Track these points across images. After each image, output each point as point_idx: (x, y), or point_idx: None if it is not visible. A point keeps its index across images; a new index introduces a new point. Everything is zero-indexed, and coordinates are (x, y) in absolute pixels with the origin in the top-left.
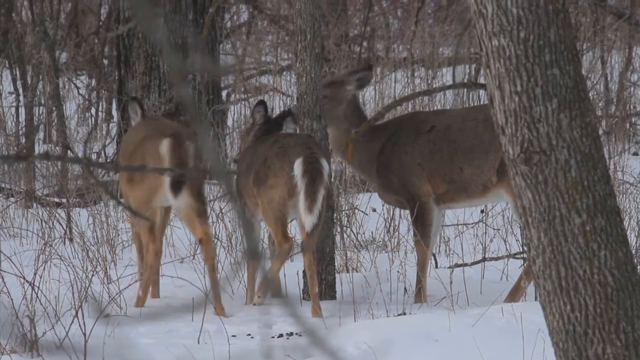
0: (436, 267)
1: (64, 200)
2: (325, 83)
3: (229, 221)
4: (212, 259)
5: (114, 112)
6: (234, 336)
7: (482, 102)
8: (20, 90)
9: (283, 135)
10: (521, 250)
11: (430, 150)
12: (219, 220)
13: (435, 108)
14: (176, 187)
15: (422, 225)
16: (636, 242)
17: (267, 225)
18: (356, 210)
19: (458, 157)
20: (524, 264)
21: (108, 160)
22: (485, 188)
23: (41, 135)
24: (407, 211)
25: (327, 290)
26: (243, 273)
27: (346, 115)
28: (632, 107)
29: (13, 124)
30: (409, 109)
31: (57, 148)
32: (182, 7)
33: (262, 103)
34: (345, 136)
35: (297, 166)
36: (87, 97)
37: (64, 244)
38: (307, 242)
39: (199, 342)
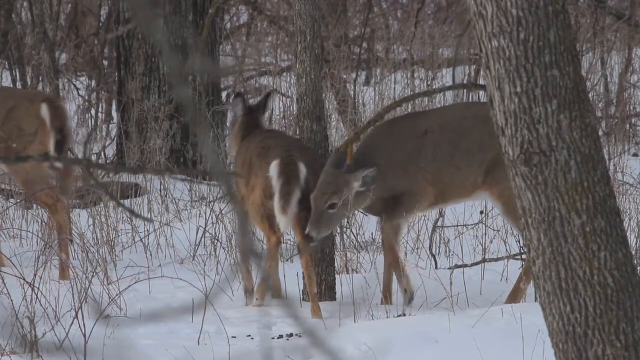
0: (436, 268)
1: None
2: (323, 191)
3: (229, 222)
4: (61, 227)
5: (114, 114)
6: (234, 337)
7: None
8: None
9: (270, 136)
10: (521, 251)
11: (432, 151)
12: (219, 221)
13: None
14: (59, 149)
15: (407, 212)
16: (636, 244)
17: (255, 224)
18: (356, 212)
19: (457, 157)
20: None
21: (108, 162)
22: (473, 188)
23: None
24: None
25: (327, 292)
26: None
27: (358, 198)
28: (632, 108)
29: None
30: (409, 111)
31: None
32: (182, 9)
33: (239, 95)
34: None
35: (274, 168)
36: (87, 98)
37: None
38: (304, 244)
39: (199, 344)
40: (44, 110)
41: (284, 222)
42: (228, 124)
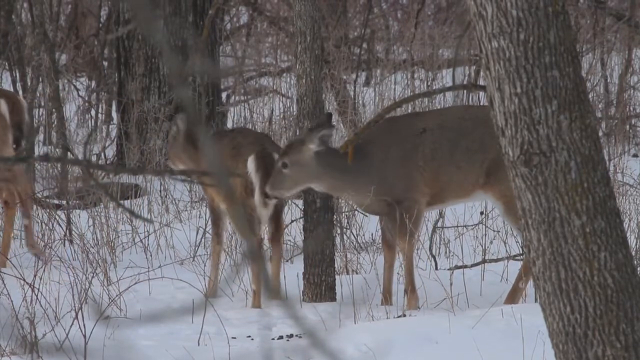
0: (436, 268)
1: (64, 202)
2: (283, 150)
3: (229, 223)
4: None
5: (114, 114)
6: (234, 338)
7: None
8: (20, 92)
9: (237, 134)
10: (521, 252)
11: (431, 149)
12: None
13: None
14: (17, 145)
15: (415, 227)
16: (636, 244)
17: (233, 227)
18: (356, 212)
19: (457, 156)
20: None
21: (108, 162)
22: (473, 188)
23: (41, 137)
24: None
25: (327, 292)
26: (243, 275)
27: (325, 170)
28: (631, 109)
29: None
30: (409, 111)
31: (57, 150)
32: (182, 9)
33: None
34: (348, 186)
35: (250, 162)
36: (87, 99)
37: (64, 245)
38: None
39: (199, 344)
40: (3, 106)
41: (265, 215)
42: (168, 138)
